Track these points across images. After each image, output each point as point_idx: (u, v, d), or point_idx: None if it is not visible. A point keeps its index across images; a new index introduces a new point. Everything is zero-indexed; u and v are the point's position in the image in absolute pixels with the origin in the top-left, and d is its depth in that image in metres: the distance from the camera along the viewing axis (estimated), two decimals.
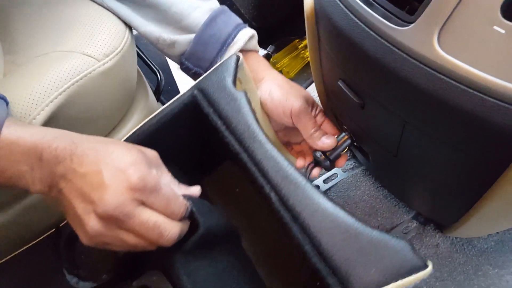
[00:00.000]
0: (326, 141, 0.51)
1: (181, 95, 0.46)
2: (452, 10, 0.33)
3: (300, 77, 0.89)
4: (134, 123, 0.58)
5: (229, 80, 0.44)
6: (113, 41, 0.49)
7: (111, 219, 0.33)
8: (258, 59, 0.56)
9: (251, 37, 0.55)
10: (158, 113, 0.45)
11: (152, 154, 0.39)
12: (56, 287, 0.45)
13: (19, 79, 0.46)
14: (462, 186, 0.41)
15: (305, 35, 0.90)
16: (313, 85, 0.89)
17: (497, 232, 0.63)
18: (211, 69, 0.46)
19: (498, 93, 0.31)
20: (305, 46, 0.89)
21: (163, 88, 0.83)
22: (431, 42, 0.34)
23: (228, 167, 0.53)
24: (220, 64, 0.46)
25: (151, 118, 0.45)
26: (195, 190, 0.41)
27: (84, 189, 0.33)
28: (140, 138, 0.45)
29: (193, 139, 0.48)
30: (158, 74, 0.80)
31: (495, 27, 0.31)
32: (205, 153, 0.50)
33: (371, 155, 0.54)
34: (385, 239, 0.34)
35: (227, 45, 0.53)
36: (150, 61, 0.83)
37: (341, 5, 0.39)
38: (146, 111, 0.61)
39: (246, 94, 0.43)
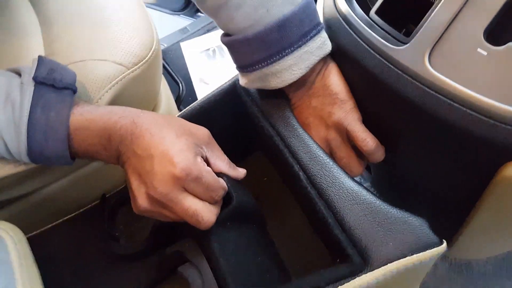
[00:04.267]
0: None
1: (223, 84, 0.51)
2: (442, 33, 0.37)
3: None
4: None
5: None
6: (142, 51, 0.55)
7: (157, 201, 0.38)
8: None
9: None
10: (201, 99, 0.51)
11: (203, 133, 0.42)
12: (100, 249, 0.51)
13: None
14: (453, 199, 0.44)
15: None
16: None
17: (496, 256, 0.64)
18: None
19: (479, 107, 0.34)
20: None
21: (184, 99, 0.88)
22: (422, 60, 0.37)
23: (257, 157, 0.57)
24: None
25: (194, 104, 0.51)
26: (242, 172, 0.45)
27: (139, 170, 0.39)
28: (188, 118, 0.49)
29: (229, 126, 0.53)
30: (180, 85, 0.86)
31: (479, 49, 0.35)
32: (238, 142, 0.54)
33: (372, 168, 0.57)
34: (404, 216, 0.37)
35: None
36: (175, 73, 0.89)
37: (345, 25, 0.44)
38: (168, 112, 0.66)
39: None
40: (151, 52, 0.56)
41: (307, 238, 0.49)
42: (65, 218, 0.55)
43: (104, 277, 0.50)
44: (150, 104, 0.64)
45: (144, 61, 0.55)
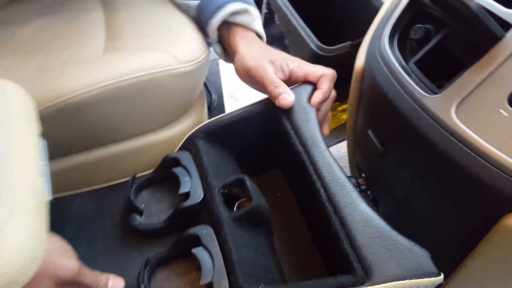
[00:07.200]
0: (284, 98, 0.52)
1: (261, 100, 0.56)
2: (471, 91, 0.42)
3: (332, 135, 0.99)
4: (189, 123, 0.67)
5: (304, 97, 0.54)
6: (197, 52, 0.60)
7: None
8: (241, 35, 0.60)
9: (237, 12, 0.60)
10: (239, 109, 0.55)
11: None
12: (120, 221, 0.54)
13: (116, 57, 0.58)
14: (453, 240, 0.47)
15: (345, 100, 1.00)
16: (341, 143, 0.98)
17: None
18: (291, 87, 0.55)
19: (493, 160, 0.39)
20: (343, 110, 1.00)
21: (212, 111, 0.94)
22: (449, 111, 0.42)
23: (274, 175, 0.61)
24: (300, 84, 0.56)
25: (232, 112, 0.56)
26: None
27: None
28: (220, 125, 0.56)
29: (256, 141, 0.58)
30: (212, 96, 0.92)
31: (501, 110, 0.40)
32: (260, 157, 0.59)
33: (381, 203, 0.61)
34: (409, 245, 0.40)
35: (215, 13, 0.59)
36: (209, 86, 0.95)
37: (385, 69, 0.49)
38: (199, 117, 0.71)
39: (315, 110, 0.53)
40: (204, 55, 0.62)
41: (306, 252, 0.52)
42: (94, 187, 0.58)
43: (119, 245, 0.52)
44: (186, 104, 0.68)
45: (196, 61, 0.60)
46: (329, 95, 0.56)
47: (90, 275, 0.45)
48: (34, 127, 0.40)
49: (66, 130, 0.57)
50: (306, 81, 0.56)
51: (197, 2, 0.63)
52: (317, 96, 0.54)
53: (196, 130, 0.57)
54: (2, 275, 0.25)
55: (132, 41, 0.62)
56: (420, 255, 0.40)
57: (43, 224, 0.32)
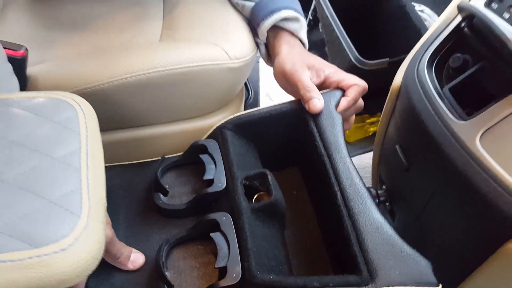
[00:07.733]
0: (314, 103, 0.55)
1: (291, 101, 0.60)
2: (496, 122, 0.45)
3: (358, 145, 1.02)
4: (225, 116, 0.70)
5: (333, 103, 0.57)
6: (246, 50, 0.65)
7: None
8: (286, 39, 0.65)
9: (288, 19, 0.64)
10: (269, 106, 0.59)
11: None
12: (143, 198, 0.58)
13: (171, 45, 0.63)
14: (460, 257, 0.51)
15: (375, 113, 1.03)
16: (365, 154, 1.02)
17: None
18: (322, 92, 0.58)
19: (510, 189, 0.42)
20: (372, 123, 1.03)
21: (247, 107, 0.99)
22: (475, 138, 0.46)
23: (292, 172, 0.64)
24: (330, 90, 0.59)
25: (263, 108, 0.59)
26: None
27: None
28: (250, 119, 0.59)
29: (281, 138, 0.61)
30: (250, 93, 0.97)
31: None
32: (282, 154, 0.62)
33: (398, 216, 0.64)
34: (414, 255, 0.44)
35: (269, 15, 0.64)
36: (248, 80, 1.00)
37: (421, 91, 0.53)
38: (236, 111, 0.75)
39: (341, 117, 0.56)
40: (252, 54, 0.66)
41: (314, 250, 0.56)
42: (122, 163, 0.63)
43: (141, 221, 0.56)
44: (227, 98, 0.73)
45: (245, 58, 0.65)
46: (353, 104, 0.59)
47: (118, 244, 0.49)
48: (101, 143, 0.46)
49: (114, 107, 0.63)
50: (337, 87, 0.59)
51: (252, 4, 0.68)
52: (342, 104, 0.58)
53: (226, 121, 0.61)
54: (77, 268, 0.34)
55: (187, 32, 0.68)
56: (423, 265, 0.43)
57: (103, 230, 0.38)
